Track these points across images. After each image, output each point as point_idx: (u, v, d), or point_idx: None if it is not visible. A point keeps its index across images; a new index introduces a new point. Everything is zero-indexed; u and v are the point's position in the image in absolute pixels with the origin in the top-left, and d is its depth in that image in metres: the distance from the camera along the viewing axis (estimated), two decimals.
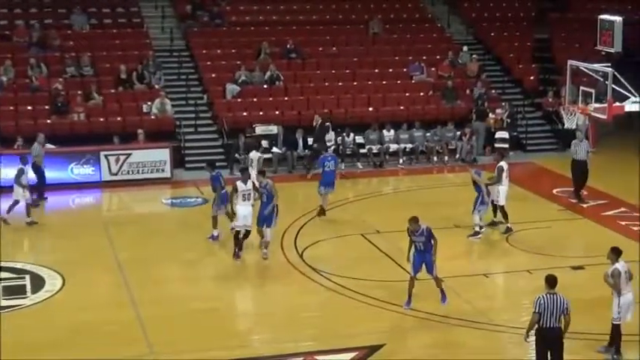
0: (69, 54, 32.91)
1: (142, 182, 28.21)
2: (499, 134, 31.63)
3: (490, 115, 32.64)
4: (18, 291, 19.02)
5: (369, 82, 34.19)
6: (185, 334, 16.94)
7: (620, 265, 15.58)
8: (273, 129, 30.84)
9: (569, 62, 24.29)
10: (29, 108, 30.62)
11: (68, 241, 22.78)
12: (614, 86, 22.18)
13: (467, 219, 22.81)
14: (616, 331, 15.70)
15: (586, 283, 18.90)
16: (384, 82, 34.26)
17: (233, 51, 34.75)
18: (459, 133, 31.98)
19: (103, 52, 33.61)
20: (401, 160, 31.36)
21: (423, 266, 17.90)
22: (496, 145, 29.94)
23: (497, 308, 18.32)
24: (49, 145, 27.62)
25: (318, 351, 16.22)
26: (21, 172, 23.76)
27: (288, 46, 34.68)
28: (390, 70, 34.98)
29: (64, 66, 32.32)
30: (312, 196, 25.02)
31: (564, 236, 23.47)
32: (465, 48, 36.37)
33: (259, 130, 30.72)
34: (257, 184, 21.58)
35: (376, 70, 34.84)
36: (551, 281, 14.29)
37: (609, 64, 22.89)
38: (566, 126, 25.67)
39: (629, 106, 22.69)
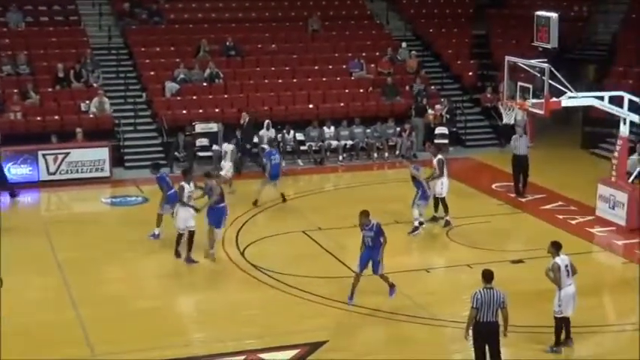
0: (5, 52, 32.40)
1: (81, 181, 27.90)
2: (438, 130, 31.88)
3: (429, 111, 32.81)
4: None
5: (309, 79, 34.17)
6: (127, 334, 16.84)
7: (560, 259, 15.76)
8: (213, 127, 30.68)
9: (507, 58, 24.45)
10: None
11: (6, 241, 22.44)
12: (550, 82, 22.39)
13: (407, 215, 22.93)
14: (557, 325, 15.91)
15: (526, 276, 19.15)
16: (323, 79, 34.27)
17: (172, 49, 34.49)
18: (398, 129, 32.11)
19: (40, 51, 33.19)
20: (341, 157, 31.45)
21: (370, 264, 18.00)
22: (435, 141, 30.14)
23: (439, 303, 18.41)
24: None
25: (260, 349, 16.22)
26: None
27: (228, 43, 34.52)
28: (330, 66, 35.00)
29: (0, 64, 31.83)
30: (253, 194, 25.11)
31: (504, 230, 23.74)
32: (404, 44, 36.49)
33: (199, 128, 30.58)
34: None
35: (316, 67, 34.85)
36: (487, 276, 14.43)
37: (546, 60, 23.08)
38: (504, 121, 25.90)
39: (566, 102, 22.94)
